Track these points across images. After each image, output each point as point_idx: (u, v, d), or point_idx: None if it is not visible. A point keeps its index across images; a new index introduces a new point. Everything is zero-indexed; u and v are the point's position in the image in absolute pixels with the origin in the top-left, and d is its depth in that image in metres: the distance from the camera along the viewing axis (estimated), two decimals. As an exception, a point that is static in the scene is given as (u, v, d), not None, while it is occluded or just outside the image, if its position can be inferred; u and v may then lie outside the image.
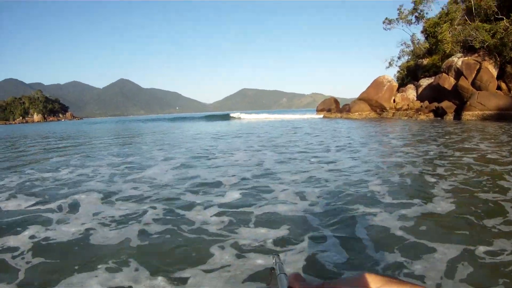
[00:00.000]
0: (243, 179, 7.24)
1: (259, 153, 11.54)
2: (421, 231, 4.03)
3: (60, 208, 5.53)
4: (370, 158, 9.63)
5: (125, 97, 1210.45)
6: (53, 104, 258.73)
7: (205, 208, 5.24)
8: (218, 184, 6.87)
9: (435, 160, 8.91)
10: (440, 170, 7.46)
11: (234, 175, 7.62)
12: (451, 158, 8.97)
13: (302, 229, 4.22)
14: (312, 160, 9.60)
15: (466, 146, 11.36)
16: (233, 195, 5.92)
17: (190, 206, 5.37)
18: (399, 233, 3.99)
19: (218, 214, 4.93)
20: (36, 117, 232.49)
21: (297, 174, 7.59)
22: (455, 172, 7.23)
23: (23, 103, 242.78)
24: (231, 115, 52.95)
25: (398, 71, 47.62)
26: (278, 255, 0.87)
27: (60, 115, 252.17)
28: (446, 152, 10.28)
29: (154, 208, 5.33)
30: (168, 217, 4.90)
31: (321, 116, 45.13)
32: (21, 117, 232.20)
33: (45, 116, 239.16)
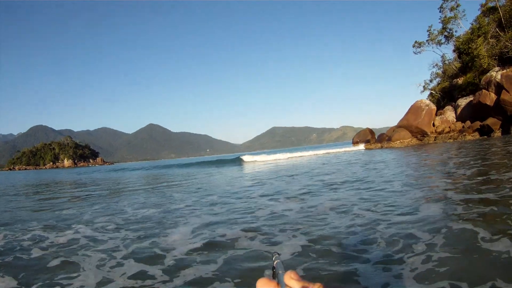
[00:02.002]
0: None
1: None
2: None
3: None
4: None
5: (155, 142, 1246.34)
6: (83, 150, 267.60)
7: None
8: None
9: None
10: None
11: None
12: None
13: None
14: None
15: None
16: None
17: None
18: None
19: None
20: (67, 162, 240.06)
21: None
22: None
23: (53, 148, 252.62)
24: (243, 158, 36.65)
25: (432, 94, 45.84)
26: (278, 254, 0.89)
27: (91, 160, 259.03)
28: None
29: None
30: None
31: (361, 147, 40.98)
32: (51, 163, 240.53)
33: (76, 161, 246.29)
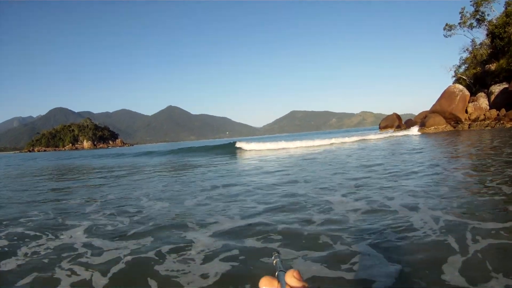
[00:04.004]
0: None
1: None
2: None
3: None
4: None
5: (175, 124, 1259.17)
6: (102, 131, 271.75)
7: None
8: None
9: None
10: None
11: None
12: None
13: None
14: None
15: None
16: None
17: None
18: None
19: None
20: (86, 144, 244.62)
21: None
22: None
23: (73, 130, 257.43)
24: (237, 144, 27.79)
25: (461, 80, 43.86)
26: (278, 253, 0.89)
27: (110, 142, 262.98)
28: None
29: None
30: None
31: (400, 133, 36.56)
32: (70, 144, 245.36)
33: (95, 143, 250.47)
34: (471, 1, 42.58)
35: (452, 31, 45.72)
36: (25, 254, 4.06)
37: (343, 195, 6.23)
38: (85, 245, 4.26)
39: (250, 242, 3.92)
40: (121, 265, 3.51)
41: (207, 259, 3.53)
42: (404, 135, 33.43)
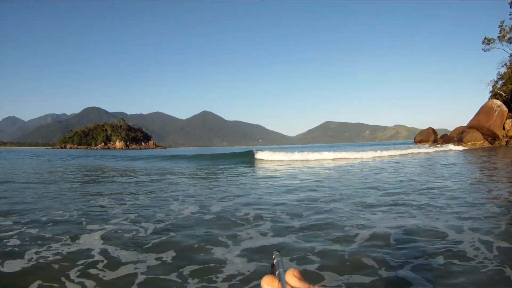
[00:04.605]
0: None
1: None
2: None
3: None
4: None
5: (208, 129, 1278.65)
6: (135, 133, 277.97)
7: None
8: None
9: None
10: None
11: None
12: None
13: None
14: None
15: None
16: None
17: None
18: None
19: None
20: (118, 144, 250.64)
21: None
22: None
23: (106, 130, 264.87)
24: (256, 155, 24.04)
25: (498, 95, 42.53)
26: (279, 251, 0.90)
27: (143, 144, 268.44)
28: None
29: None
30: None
31: (442, 148, 34.48)
32: (103, 143, 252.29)
33: (127, 143, 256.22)
34: (510, 14, 41.26)
35: (491, 45, 45.17)
36: (31, 259, 3.66)
37: (383, 212, 5.75)
38: (101, 253, 3.83)
39: (287, 265, 3.37)
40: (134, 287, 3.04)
41: (237, 285, 3.00)
42: (442, 151, 31.96)
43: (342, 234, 4.44)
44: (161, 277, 3.20)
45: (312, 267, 3.35)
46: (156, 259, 3.66)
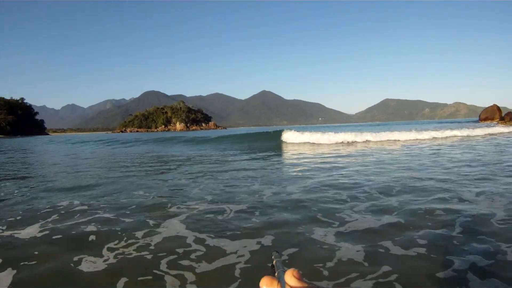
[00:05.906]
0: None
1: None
2: None
3: None
4: None
5: (267, 108, 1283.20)
6: (195, 114, 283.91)
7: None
8: None
9: None
10: None
11: None
12: None
13: None
14: None
15: None
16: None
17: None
18: None
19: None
20: (179, 126, 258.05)
21: None
22: None
23: (165, 112, 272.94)
24: (284, 136, 22.42)
25: None
26: (278, 252, 0.89)
27: (203, 124, 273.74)
28: None
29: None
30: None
31: None
32: (163, 126, 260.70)
33: (188, 125, 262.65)
34: None
35: None
36: (111, 249, 3.44)
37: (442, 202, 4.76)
38: (190, 240, 3.59)
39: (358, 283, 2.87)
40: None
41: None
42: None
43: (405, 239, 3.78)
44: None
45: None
46: (257, 243, 3.32)
